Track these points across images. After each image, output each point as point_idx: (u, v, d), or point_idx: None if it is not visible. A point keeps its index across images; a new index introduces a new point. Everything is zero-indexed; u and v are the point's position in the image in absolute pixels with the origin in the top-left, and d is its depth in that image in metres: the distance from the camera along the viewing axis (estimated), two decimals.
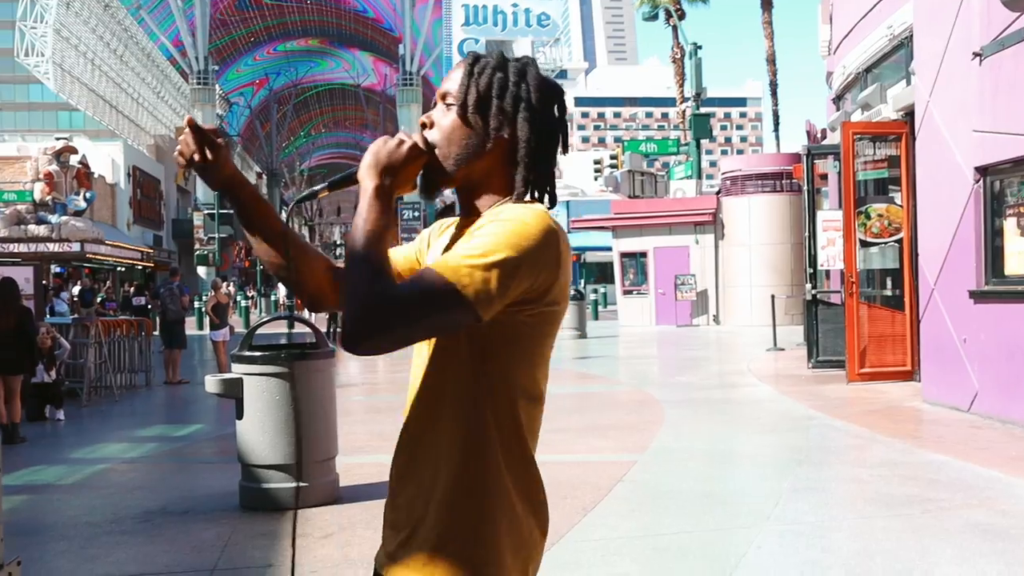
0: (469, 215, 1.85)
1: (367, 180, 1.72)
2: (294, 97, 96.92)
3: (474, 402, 1.71)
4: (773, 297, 20.44)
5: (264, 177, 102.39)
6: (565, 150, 1.89)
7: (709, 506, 6.73)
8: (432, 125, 1.83)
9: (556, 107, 1.85)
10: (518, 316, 1.68)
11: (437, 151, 1.80)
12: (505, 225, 1.65)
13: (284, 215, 1.90)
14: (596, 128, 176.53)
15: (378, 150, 1.75)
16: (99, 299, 28.99)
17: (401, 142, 1.77)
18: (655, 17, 48.95)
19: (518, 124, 1.79)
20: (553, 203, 1.86)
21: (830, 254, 15.05)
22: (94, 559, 5.74)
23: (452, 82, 1.84)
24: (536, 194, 1.84)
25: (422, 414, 1.77)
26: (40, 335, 12.24)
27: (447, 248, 1.83)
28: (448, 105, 1.83)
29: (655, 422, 10.55)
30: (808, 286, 15.33)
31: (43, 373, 12.16)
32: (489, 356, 1.70)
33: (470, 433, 1.71)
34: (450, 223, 1.99)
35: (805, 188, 15.69)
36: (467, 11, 54.88)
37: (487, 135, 1.79)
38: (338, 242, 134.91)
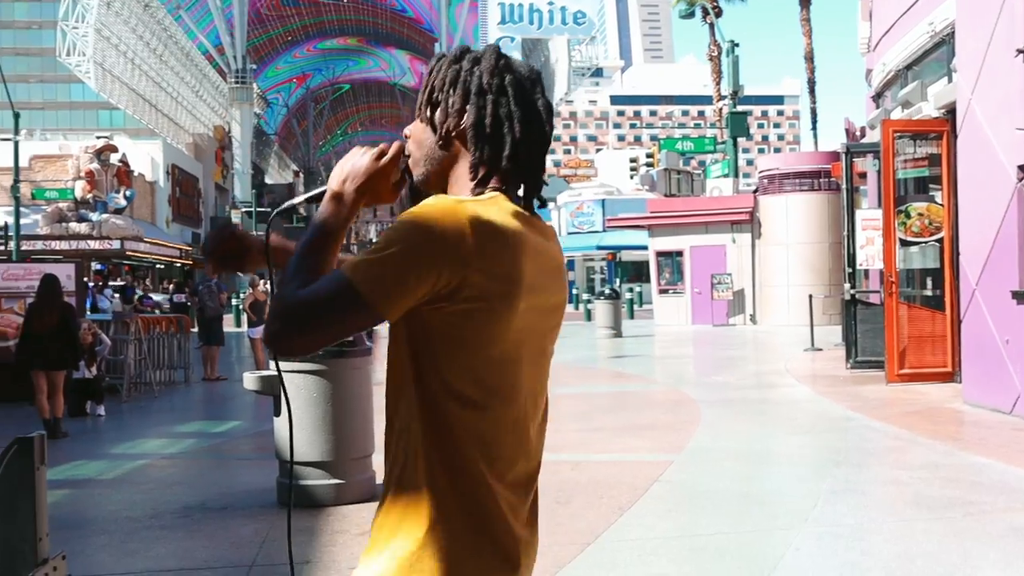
0: None
1: (331, 184, 1.74)
2: (331, 95, 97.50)
3: (408, 407, 1.64)
4: (811, 297, 20.27)
5: (301, 175, 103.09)
6: (545, 136, 1.76)
7: (746, 507, 6.68)
8: (409, 136, 1.80)
9: (520, 91, 1.73)
10: (437, 315, 1.59)
11: (411, 159, 1.77)
12: (405, 218, 1.57)
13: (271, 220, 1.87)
14: (632, 126, 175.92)
15: (346, 158, 1.76)
16: (137, 296, 29.32)
17: (367, 150, 1.76)
18: (691, 15, 48.73)
19: (467, 113, 1.71)
20: (531, 198, 1.76)
21: (869, 253, 14.90)
22: (134, 553, 5.80)
23: (422, 86, 1.82)
24: (512, 187, 1.74)
25: (386, 416, 1.72)
26: (81, 331, 12.39)
27: None
28: (418, 111, 1.80)
29: (691, 422, 10.50)
30: (847, 286, 15.19)
31: (84, 369, 12.31)
32: (420, 358, 1.62)
33: (406, 440, 1.64)
34: None
35: (844, 187, 15.54)
36: (503, 9, 54.82)
37: (443, 131, 1.73)
38: (373, 240, 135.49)
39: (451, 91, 1.73)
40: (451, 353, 1.61)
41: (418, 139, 1.77)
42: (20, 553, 1.81)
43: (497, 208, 1.64)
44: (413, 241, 1.54)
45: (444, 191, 1.75)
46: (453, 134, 1.73)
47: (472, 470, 1.61)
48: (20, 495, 1.84)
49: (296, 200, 1.84)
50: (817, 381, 14.20)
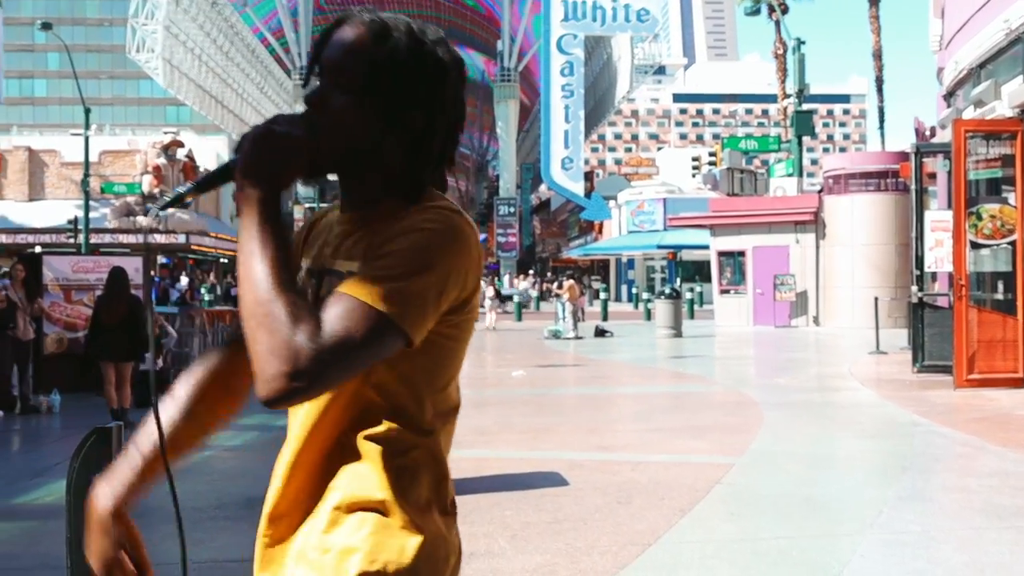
0: (359, 208, 1.62)
1: (251, 187, 1.45)
2: None
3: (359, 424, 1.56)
4: (876, 299, 19.94)
5: None
6: (460, 129, 1.64)
7: (810, 511, 6.59)
8: (318, 104, 1.55)
9: (448, 86, 1.60)
10: (436, 328, 1.52)
11: (325, 135, 1.53)
12: (425, 237, 1.47)
13: (151, 215, 1.70)
14: (694, 125, 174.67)
15: (261, 145, 1.47)
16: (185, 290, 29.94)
17: (286, 136, 1.48)
18: (757, 12, 48.23)
19: (423, 107, 1.57)
20: (445, 188, 1.64)
21: (938, 256, 14.61)
22: (199, 543, 5.88)
23: (341, 53, 1.55)
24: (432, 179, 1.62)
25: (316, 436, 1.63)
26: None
27: (335, 251, 1.62)
28: (338, 83, 1.55)
29: (753, 424, 10.38)
30: (914, 288, 14.91)
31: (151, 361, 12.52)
32: (401, 373, 1.53)
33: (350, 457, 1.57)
34: (323, 216, 1.74)
35: (913, 187, 15.26)
36: (566, 6, 54.69)
37: (385, 119, 1.55)
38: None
39: (397, 80, 1.55)
40: (441, 364, 1.57)
41: (338, 117, 1.54)
42: None
43: (465, 213, 1.57)
44: (443, 257, 1.47)
45: (360, 176, 1.60)
46: (386, 122, 1.56)
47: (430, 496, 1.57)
48: None
49: (183, 189, 1.58)
50: (882, 385, 13.96)
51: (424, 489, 1.55)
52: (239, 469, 8.51)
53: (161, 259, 39.83)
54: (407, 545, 1.50)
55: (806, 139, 34.75)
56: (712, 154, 40.94)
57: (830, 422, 10.86)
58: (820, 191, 30.02)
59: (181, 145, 46.64)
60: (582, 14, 54.60)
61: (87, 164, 33.44)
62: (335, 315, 1.38)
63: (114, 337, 10.58)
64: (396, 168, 1.58)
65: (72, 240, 37.56)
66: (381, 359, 1.44)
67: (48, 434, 11.17)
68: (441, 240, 1.47)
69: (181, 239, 44.28)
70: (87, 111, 32.84)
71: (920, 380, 14.07)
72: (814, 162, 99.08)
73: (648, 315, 32.94)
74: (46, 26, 33.51)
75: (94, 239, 37.11)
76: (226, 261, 53.09)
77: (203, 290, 35.07)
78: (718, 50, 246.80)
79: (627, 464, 8.13)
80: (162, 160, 45.19)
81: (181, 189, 1.56)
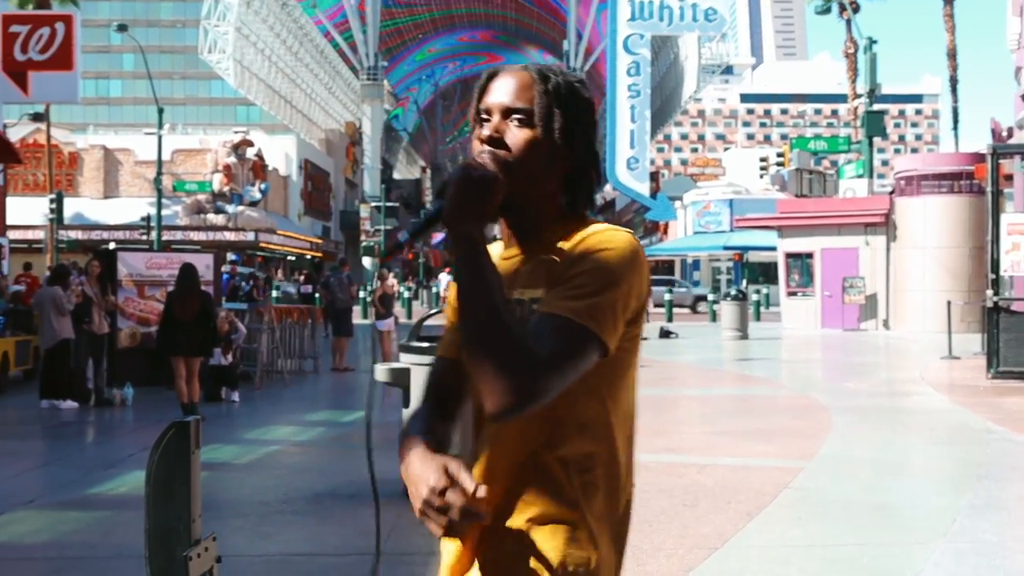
0: (524, 240, 1.77)
1: (463, 225, 1.59)
2: (459, 91, 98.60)
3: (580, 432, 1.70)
4: (949, 303, 19.52)
5: (428, 171, 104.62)
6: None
7: (880, 519, 6.47)
8: (500, 143, 1.71)
9: (594, 121, 1.82)
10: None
11: (512, 171, 1.69)
12: (608, 256, 1.64)
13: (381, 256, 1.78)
14: (762, 125, 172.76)
15: (464, 188, 1.60)
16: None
17: (484, 177, 1.62)
18: (828, 11, 47.57)
19: (579, 139, 1.74)
20: (595, 207, 1.82)
21: (1014, 259, 14.27)
22: (267, 536, 5.97)
23: (514, 95, 1.73)
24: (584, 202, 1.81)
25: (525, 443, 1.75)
26: (219, 320, 12.83)
27: (511, 282, 1.72)
28: (518, 120, 1.72)
29: (822, 428, 10.23)
30: (989, 292, 14.58)
31: (220, 356, 12.73)
32: (592, 384, 1.67)
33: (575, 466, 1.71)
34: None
35: (988, 189, 14.92)
36: (633, 6, 54.35)
37: (558, 151, 1.72)
38: (497, 236, 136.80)
39: (566, 117, 1.73)
40: (619, 374, 1.72)
41: (525, 151, 1.71)
42: (175, 532, 1.87)
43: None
44: (624, 275, 1.64)
45: (529, 207, 1.74)
46: (560, 156, 1.73)
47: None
48: (177, 477, 1.90)
49: (401, 239, 1.78)
50: (955, 391, 13.67)
51: (601, 502, 1.69)
52: (305, 464, 8.61)
53: (230, 256, 40.33)
54: (592, 557, 1.66)
55: (877, 140, 34.17)
56: (780, 155, 40.42)
57: (901, 427, 10.66)
58: (891, 193, 29.48)
59: (251, 144, 47.34)
60: (649, 14, 54.22)
61: (160, 163, 34.09)
62: (546, 334, 1.56)
63: (185, 332, 10.76)
64: (558, 199, 1.76)
65: (144, 237, 38.33)
66: (586, 368, 1.60)
67: (121, 426, 11.41)
68: (620, 257, 1.64)
69: (250, 237, 44.94)
70: (160, 111, 33.49)
71: (995, 386, 13.75)
72: (885, 163, 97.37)
73: (713, 316, 32.64)
74: (122, 28, 34.24)
75: (166, 236, 37.85)
76: (293, 259, 53.76)
77: (274, 286, 35.53)
78: (787, 49, 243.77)
79: (693, 467, 8.07)
80: (232, 159, 45.91)
81: (402, 237, 1.76)
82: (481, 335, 1.54)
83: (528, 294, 1.70)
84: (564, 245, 1.69)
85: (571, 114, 1.73)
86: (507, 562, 1.68)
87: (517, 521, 1.67)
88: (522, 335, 1.54)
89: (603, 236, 1.67)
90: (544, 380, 1.53)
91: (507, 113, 1.72)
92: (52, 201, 33.06)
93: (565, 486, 1.67)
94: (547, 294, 1.64)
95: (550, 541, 1.65)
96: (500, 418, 1.54)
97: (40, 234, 37.24)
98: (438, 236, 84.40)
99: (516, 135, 1.71)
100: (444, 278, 49.42)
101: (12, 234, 28.92)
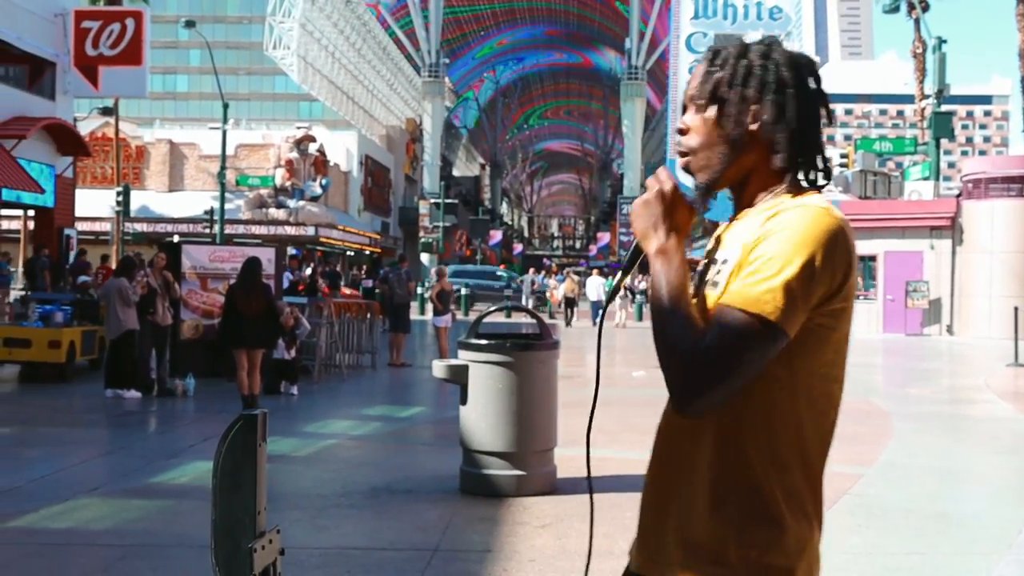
0: (740, 207, 1.83)
1: (645, 244, 1.76)
2: (520, 88, 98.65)
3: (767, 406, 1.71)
4: (1016, 309, 19.11)
5: (487, 168, 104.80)
6: (830, 120, 1.82)
7: (942, 528, 6.36)
8: (687, 131, 1.81)
9: (810, 79, 1.78)
10: (810, 322, 1.66)
11: (696, 156, 1.79)
12: (788, 236, 1.63)
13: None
14: (825, 125, 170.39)
15: (636, 215, 1.77)
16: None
17: (647, 199, 1.76)
18: (896, 9, 46.68)
19: (767, 107, 1.73)
20: (828, 177, 1.81)
21: None
22: (325, 529, 6.03)
23: (695, 81, 1.80)
24: (808, 173, 1.79)
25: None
26: (284, 315, 12.97)
27: (710, 253, 1.83)
28: (697, 107, 1.79)
29: (882, 434, 10.08)
30: None
31: (283, 350, 12.88)
32: (792, 361, 1.68)
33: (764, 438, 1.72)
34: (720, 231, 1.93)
35: None
36: (696, 4, 54.04)
37: (739, 126, 1.75)
38: (555, 234, 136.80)
39: (744, 87, 1.75)
40: (817, 349, 1.70)
41: (703, 137, 1.79)
42: (241, 524, 1.90)
43: (833, 206, 1.70)
44: (808, 255, 1.62)
45: (740, 184, 1.81)
46: (751, 130, 1.76)
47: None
48: (243, 469, 1.92)
49: (619, 280, 1.94)
50: (1021, 399, 13.39)
51: (806, 503, 1.70)
52: (362, 458, 8.68)
53: (291, 250, 40.82)
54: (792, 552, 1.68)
55: (944, 142, 33.53)
56: (844, 155, 39.79)
57: (965, 435, 10.46)
58: (958, 195, 28.95)
59: (313, 140, 47.77)
60: (712, 12, 53.88)
61: (224, 157, 34.53)
62: (717, 327, 1.62)
63: (250, 325, 10.89)
64: (764, 170, 1.78)
65: (207, 230, 38.89)
66: (767, 356, 1.62)
67: (183, 417, 11.60)
68: (801, 238, 1.62)
69: (310, 231, 45.38)
70: (225, 106, 33.92)
71: None
72: (951, 165, 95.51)
73: None
74: (190, 24, 34.76)
75: (228, 230, 38.35)
76: (352, 254, 54.21)
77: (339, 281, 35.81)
78: (852, 48, 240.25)
79: None
80: (294, 154, 46.37)
81: (619, 280, 1.93)
82: (660, 331, 1.67)
83: (720, 255, 1.77)
84: (763, 216, 1.71)
85: (744, 85, 1.75)
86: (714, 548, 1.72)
87: (724, 517, 1.70)
88: (692, 329, 1.63)
89: (790, 215, 1.66)
90: (708, 374, 1.59)
91: (691, 100, 1.81)
92: (119, 194, 33.68)
93: (766, 487, 1.70)
94: (732, 280, 1.67)
95: (758, 534, 1.71)
96: (683, 413, 1.65)
97: (107, 226, 37.94)
98: (495, 237, 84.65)
99: (691, 123, 1.81)
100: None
101: (80, 225, 29.54)
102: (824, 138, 1.82)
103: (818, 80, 1.80)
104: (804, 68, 1.78)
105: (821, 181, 1.80)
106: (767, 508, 1.67)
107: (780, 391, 1.68)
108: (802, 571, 1.68)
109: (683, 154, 1.83)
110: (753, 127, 1.75)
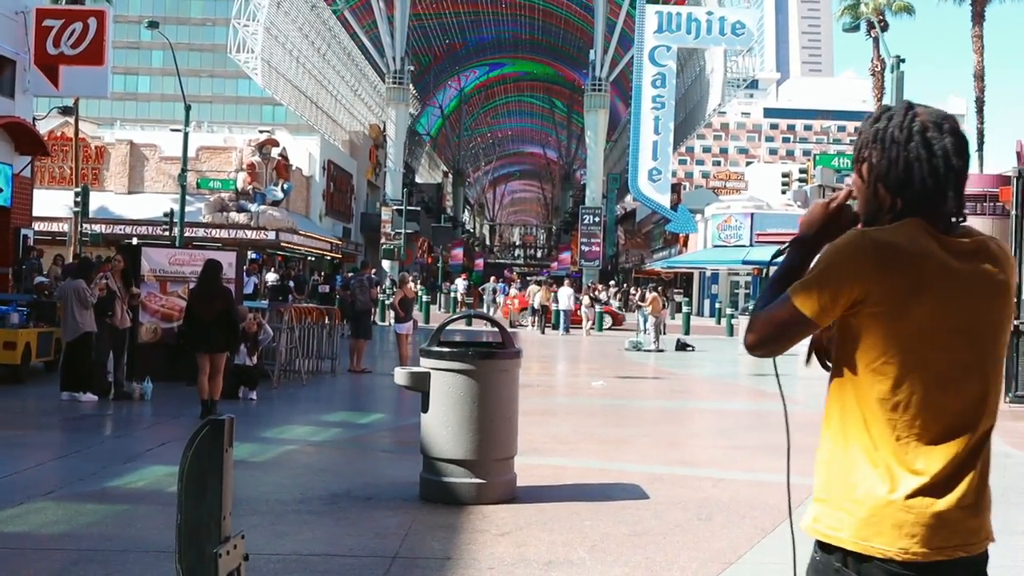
0: None
1: (800, 232, 2.30)
2: (484, 95, 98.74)
3: (839, 394, 2.23)
4: None
5: (450, 176, 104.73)
6: (953, 166, 2.21)
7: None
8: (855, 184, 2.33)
9: (924, 136, 2.19)
10: (849, 320, 2.15)
11: (858, 204, 2.29)
12: (826, 248, 2.18)
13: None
14: (785, 140, 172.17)
15: (806, 212, 2.33)
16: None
17: (821, 203, 2.31)
18: (856, 28, 47.37)
19: (881, 164, 2.20)
20: (952, 218, 2.22)
21: None
22: (283, 535, 6.01)
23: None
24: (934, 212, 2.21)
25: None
26: (247, 321, 12.90)
27: None
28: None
29: None
30: None
31: (245, 356, 12.80)
32: (840, 356, 2.21)
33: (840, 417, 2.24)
34: None
35: (1013, 212, 14.84)
36: (660, 18, 54.32)
37: (869, 181, 2.22)
38: (517, 243, 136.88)
39: (872, 147, 2.22)
40: (861, 350, 2.14)
41: (857, 189, 2.27)
42: (207, 529, 1.91)
43: (905, 230, 2.13)
44: (827, 265, 2.13)
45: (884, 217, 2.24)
46: (875, 182, 2.21)
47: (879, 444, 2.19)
48: (209, 474, 1.93)
49: (780, 251, 2.37)
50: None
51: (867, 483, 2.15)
52: (321, 464, 8.65)
53: (251, 254, 40.58)
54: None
55: None
56: (803, 171, 40.27)
57: None
58: None
59: (276, 144, 47.48)
60: (676, 26, 54.19)
61: (185, 159, 34.21)
62: (776, 300, 2.20)
63: (210, 329, 10.82)
64: (890, 213, 2.21)
65: (167, 232, 38.52)
66: (794, 330, 2.17)
67: (139, 421, 11.49)
68: (829, 251, 2.16)
69: (271, 236, 45.08)
70: (187, 108, 33.63)
71: (1012, 411, 13.66)
72: None
73: (731, 330, 32.56)
74: (152, 24, 34.45)
75: (188, 233, 37.99)
76: (313, 259, 53.92)
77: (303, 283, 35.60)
78: (813, 65, 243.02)
79: (708, 480, 8.07)
80: (256, 158, 46.05)
81: (780, 252, 2.37)
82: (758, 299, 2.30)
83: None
84: None
85: (874, 151, 2.22)
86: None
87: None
88: (769, 298, 2.22)
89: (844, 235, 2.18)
90: (754, 332, 2.22)
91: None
92: (77, 194, 33.26)
93: (826, 461, 2.35)
94: None
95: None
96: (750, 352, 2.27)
97: (65, 226, 37.44)
98: (458, 257, 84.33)
99: (854, 179, 2.32)
100: (460, 283, 49.44)
101: (37, 225, 29.13)
102: (936, 176, 2.21)
103: (947, 131, 2.22)
104: (928, 124, 2.22)
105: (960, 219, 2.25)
106: None
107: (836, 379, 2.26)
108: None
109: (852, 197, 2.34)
110: (876, 181, 2.23)
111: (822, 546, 2.19)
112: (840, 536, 2.12)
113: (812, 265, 2.16)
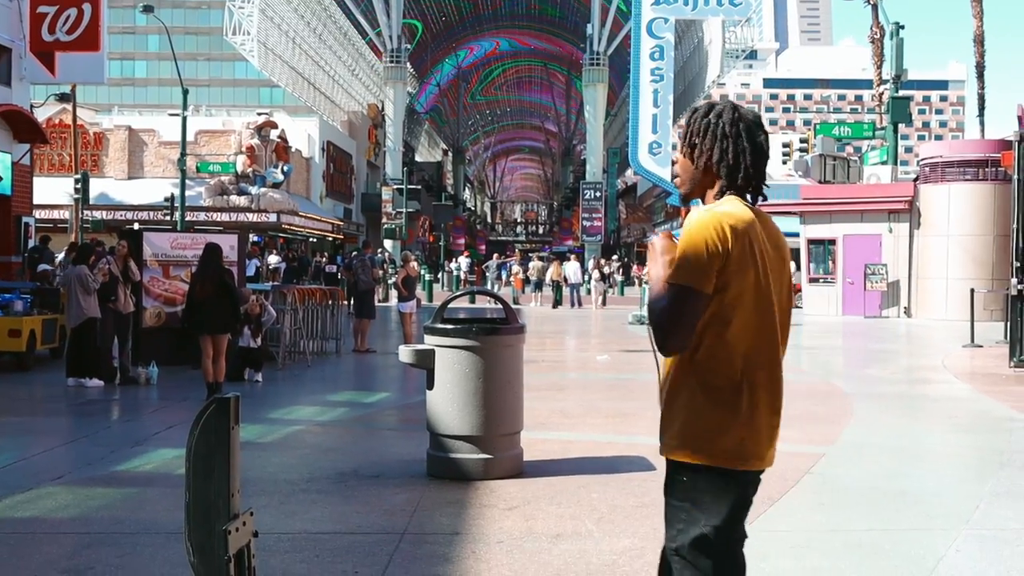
0: None
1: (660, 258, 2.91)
2: (481, 69, 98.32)
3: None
4: (972, 291, 19.42)
5: (450, 154, 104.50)
6: (766, 159, 2.90)
7: (902, 505, 6.48)
8: (676, 162, 2.90)
9: (749, 133, 2.86)
10: (718, 281, 2.71)
11: (679, 179, 2.94)
12: (688, 229, 2.71)
13: None
14: (785, 111, 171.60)
15: (653, 247, 2.89)
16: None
17: (660, 239, 2.89)
18: None
19: (715, 151, 2.85)
20: (757, 195, 2.92)
21: None
22: (293, 515, 6.03)
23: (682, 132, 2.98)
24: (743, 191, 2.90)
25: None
26: (250, 303, 12.90)
27: None
28: (681, 149, 2.94)
29: (843, 415, 10.23)
30: (1014, 280, 14.49)
31: (249, 338, 12.82)
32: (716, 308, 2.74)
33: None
34: None
35: (1015, 177, 14.81)
36: None
37: (699, 164, 2.88)
38: (518, 220, 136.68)
39: (703, 137, 2.86)
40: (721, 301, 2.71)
41: (683, 167, 2.92)
42: (215, 507, 1.91)
43: (732, 205, 2.78)
44: (696, 241, 2.66)
45: (701, 198, 2.90)
46: (705, 165, 2.87)
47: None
48: (217, 453, 1.93)
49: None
50: (977, 379, 13.62)
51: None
52: (329, 444, 8.68)
53: (253, 237, 40.56)
54: None
55: (901, 127, 33.90)
56: (803, 140, 40.11)
57: (923, 415, 10.64)
58: (916, 179, 29.30)
59: (274, 126, 47.37)
60: None
61: (184, 143, 34.17)
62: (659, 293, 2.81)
63: (211, 312, 10.84)
64: (712, 189, 2.90)
65: (168, 217, 38.51)
66: (690, 309, 2.67)
67: (146, 405, 11.52)
68: (694, 228, 2.69)
69: (272, 218, 45.06)
70: (185, 92, 33.55)
71: (1017, 375, 13.69)
72: (909, 150, 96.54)
73: None
74: (147, 9, 34.30)
75: (189, 217, 37.98)
76: (315, 240, 53.91)
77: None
78: (811, 34, 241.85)
79: None
80: (255, 140, 45.96)
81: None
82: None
83: None
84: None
85: (705, 140, 2.86)
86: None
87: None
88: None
89: (692, 215, 2.73)
90: (660, 333, 2.70)
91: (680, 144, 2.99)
92: (77, 181, 33.23)
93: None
94: None
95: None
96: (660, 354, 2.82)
97: (65, 214, 37.45)
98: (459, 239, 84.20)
99: (678, 157, 2.97)
100: (464, 261, 49.44)
101: (38, 213, 29.13)
102: (756, 165, 2.88)
103: (762, 131, 2.89)
104: (751, 125, 2.88)
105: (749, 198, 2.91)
106: None
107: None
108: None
109: (674, 176, 3.01)
110: (705, 164, 2.88)
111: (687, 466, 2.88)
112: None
113: (681, 245, 2.66)
